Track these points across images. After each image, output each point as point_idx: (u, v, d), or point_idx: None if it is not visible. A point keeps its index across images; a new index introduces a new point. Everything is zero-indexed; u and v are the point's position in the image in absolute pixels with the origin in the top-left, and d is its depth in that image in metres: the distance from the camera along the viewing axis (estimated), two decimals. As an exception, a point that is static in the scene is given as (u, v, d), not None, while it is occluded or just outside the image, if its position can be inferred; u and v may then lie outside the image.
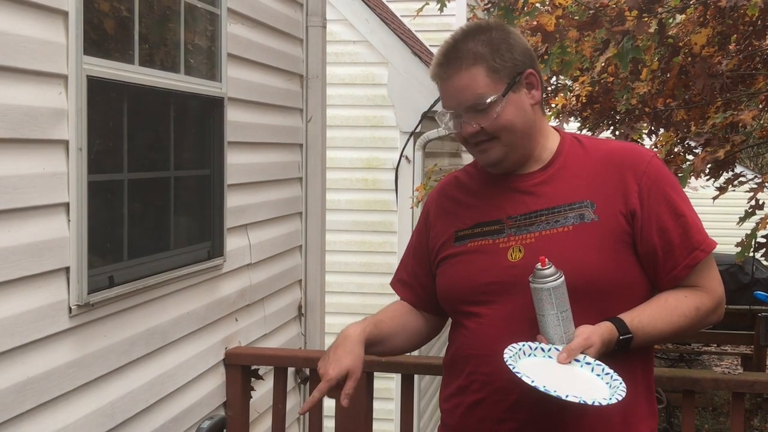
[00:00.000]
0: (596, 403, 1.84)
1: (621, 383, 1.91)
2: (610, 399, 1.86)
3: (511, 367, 1.90)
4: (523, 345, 2.00)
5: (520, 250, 2.10)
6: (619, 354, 2.04)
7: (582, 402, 1.83)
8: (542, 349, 1.98)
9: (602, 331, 1.99)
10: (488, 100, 2.07)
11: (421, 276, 2.34)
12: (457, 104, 2.12)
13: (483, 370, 2.12)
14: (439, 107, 2.23)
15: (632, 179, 2.10)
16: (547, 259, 1.97)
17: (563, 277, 1.96)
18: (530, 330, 2.05)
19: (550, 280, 1.95)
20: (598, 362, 1.95)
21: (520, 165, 2.17)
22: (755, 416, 9.26)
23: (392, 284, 2.44)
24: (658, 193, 2.10)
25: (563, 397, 1.82)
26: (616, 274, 2.07)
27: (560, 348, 1.96)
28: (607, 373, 1.94)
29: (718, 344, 10.99)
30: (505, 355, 1.95)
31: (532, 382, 1.85)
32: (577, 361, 1.94)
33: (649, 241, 2.08)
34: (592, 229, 2.07)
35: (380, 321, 2.27)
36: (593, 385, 1.91)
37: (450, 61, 2.11)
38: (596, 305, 2.04)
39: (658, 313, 2.07)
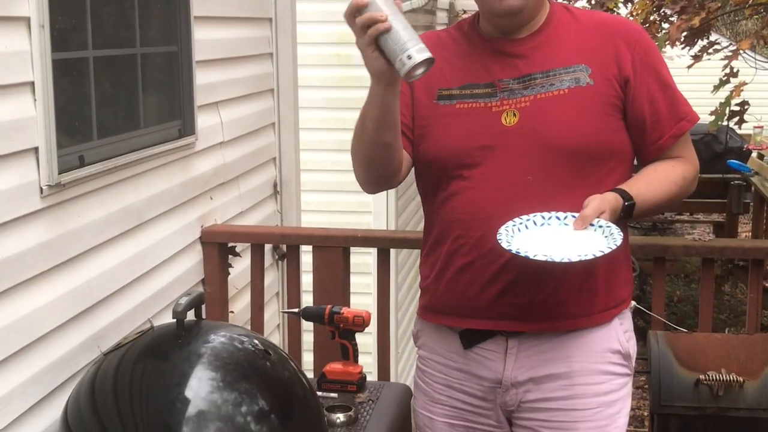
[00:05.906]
0: (584, 257, 1.89)
1: (618, 231, 1.95)
2: (598, 252, 1.90)
3: (506, 246, 1.94)
4: (533, 216, 2.02)
5: (514, 114, 2.08)
6: None
7: (568, 260, 1.89)
8: (558, 218, 2.02)
9: (609, 198, 2.03)
10: None
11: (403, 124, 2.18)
12: None
13: (472, 234, 2.10)
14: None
15: (625, 48, 2.12)
16: None
17: None
18: (524, 192, 2.06)
19: None
20: (608, 223, 1.98)
21: (529, 21, 2.13)
22: (726, 282, 9.48)
23: None
24: (648, 64, 2.13)
25: (532, 256, 1.89)
26: (609, 137, 2.10)
27: (575, 215, 1.99)
28: (609, 227, 1.98)
29: (690, 213, 11.14)
30: (498, 235, 1.98)
31: (517, 251, 1.91)
32: (592, 225, 1.98)
33: (639, 109, 2.11)
34: (588, 92, 2.08)
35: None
36: (594, 240, 1.96)
37: None
38: (587, 168, 2.08)
39: (652, 181, 2.14)
